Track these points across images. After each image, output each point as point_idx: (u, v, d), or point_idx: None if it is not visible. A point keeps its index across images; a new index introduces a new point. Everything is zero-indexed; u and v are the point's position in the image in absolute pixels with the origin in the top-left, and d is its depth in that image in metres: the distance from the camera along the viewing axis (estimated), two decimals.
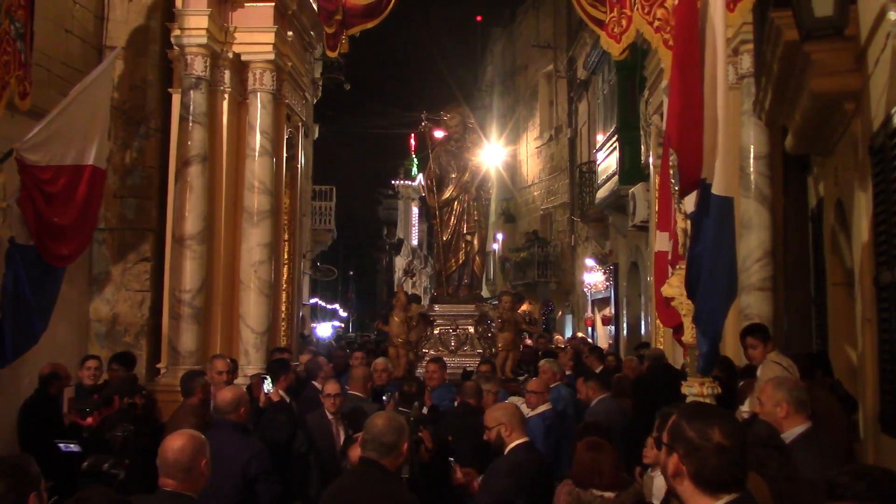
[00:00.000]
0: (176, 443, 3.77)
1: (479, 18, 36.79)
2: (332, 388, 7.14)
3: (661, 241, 7.16)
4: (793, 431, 4.59)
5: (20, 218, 7.15)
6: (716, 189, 4.53)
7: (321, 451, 6.81)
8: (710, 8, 4.48)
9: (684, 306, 5.44)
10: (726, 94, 4.71)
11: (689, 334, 5.47)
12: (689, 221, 5.30)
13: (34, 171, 7.30)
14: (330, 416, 7.03)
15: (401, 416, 4.50)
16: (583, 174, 22.68)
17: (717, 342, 4.98)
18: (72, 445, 3.70)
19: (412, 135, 42.99)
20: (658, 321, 11.11)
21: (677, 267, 5.62)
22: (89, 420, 4.43)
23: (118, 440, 3.62)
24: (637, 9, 8.08)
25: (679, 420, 2.59)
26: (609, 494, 4.39)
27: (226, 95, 10.07)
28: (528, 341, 14.56)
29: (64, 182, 7.63)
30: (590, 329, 22.90)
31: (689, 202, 5.07)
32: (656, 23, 7.86)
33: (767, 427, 4.35)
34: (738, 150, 8.86)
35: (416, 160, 49.20)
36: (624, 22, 8.37)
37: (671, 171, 5.63)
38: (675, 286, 5.54)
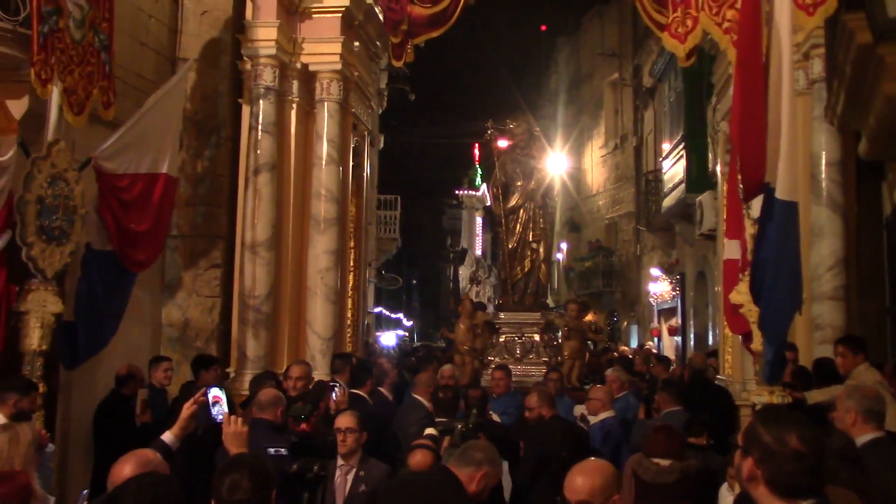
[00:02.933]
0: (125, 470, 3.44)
1: (543, 28, 36.69)
2: (343, 421, 5.21)
3: (730, 249, 7.05)
4: (860, 439, 4.53)
5: (97, 224, 7.38)
6: (780, 193, 4.48)
7: None
8: (776, 12, 4.42)
9: (753, 313, 5.37)
10: (792, 97, 4.65)
11: (757, 342, 5.40)
12: (755, 227, 5.24)
13: (111, 179, 7.53)
14: (341, 462, 5.10)
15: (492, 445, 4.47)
16: (648, 183, 22.49)
17: (782, 349, 4.91)
18: (282, 450, 3.88)
19: (476, 145, 43.00)
20: (726, 331, 10.93)
21: (745, 273, 5.55)
22: (304, 426, 4.57)
23: (328, 443, 3.75)
24: (704, 9, 7.95)
25: (755, 424, 2.56)
26: (664, 462, 5.00)
27: (294, 105, 10.25)
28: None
29: (139, 190, 7.85)
30: (656, 339, 22.65)
31: (757, 207, 5.01)
32: (726, 24, 7.71)
33: (843, 438, 4.28)
34: (807, 156, 8.68)
35: (479, 170, 49.19)
36: (689, 22, 8.22)
37: (738, 177, 5.56)
38: (743, 293, 5.47)
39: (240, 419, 4.24)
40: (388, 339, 32.92)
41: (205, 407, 4.38)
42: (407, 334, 44.41)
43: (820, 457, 2.47)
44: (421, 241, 49.21)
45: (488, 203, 44.98)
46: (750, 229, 5.55)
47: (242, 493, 3.10)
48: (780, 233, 4.54)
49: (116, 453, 3.61)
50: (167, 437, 4.24)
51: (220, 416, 4.29)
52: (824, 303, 8.76)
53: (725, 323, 10.66)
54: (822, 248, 8.81)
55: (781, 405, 4.51)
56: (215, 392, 4.42)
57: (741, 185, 5.31)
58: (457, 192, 53.48)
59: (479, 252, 53.50)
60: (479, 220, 54.68)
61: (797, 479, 2.42)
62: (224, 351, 10.00)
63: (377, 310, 31.56)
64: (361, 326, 12.79)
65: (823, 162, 8.88)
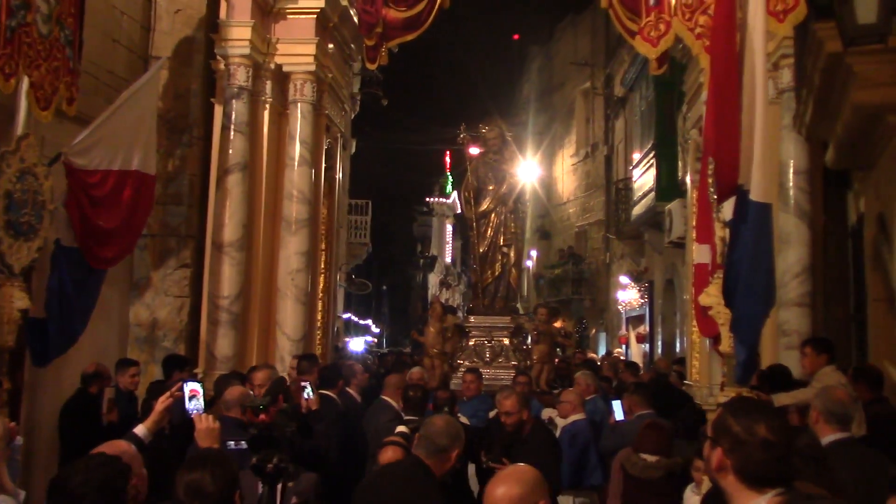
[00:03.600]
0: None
1: (515, 37, 36.92)
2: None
3: (700, 254, 7.12)
4: (823, 440, 4.65)
5: (66, 220, 7.30)
6: (754, 195, 4.54)
7: None
8: (750, 14, 4.49)
9: (722, 315, 5.43)
10: (765, 99, 4.71)
11: (726, 344, 5.46)
12: (727, 230, 5.30)
13: (81, 175, 7.46)
14: None
15: (459, 426, 4.48)
16: (619, 191, 22.66)
17: (754, 350, 4.97)
18: (242, 443, 3.81)
19: (447, 152, 43.11)
20: (694, 337, 11.06)
21: (715, 276, 5.61)
22: (262, 416, 4.51)
23: (287, 435, 3.71)
24: (677, 15, 8.05)
25: (725, 414, 2.59)
26: (651, 458, 5.40)
27: (267, 105, 10.23)
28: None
29: (110, 186, 7.79)
30: (624, 347, 22.79)
31: (728, 210, 5.07)
32: (698, 29, 7.81)
33: (808, 436, 4.37)
34: (775, 165, 8.80)
35: (450, 178, 49.32)
36: (662, 26, 8.31)
37: (709, 181, 5.63)
38: (712, 295, 5.54)
39: (212, 416, 4.22)
40: (356, 344, 32.86)
41: (179, 401, 4.35)
42: (375, 340, 44.32)
43: (788, 446, 2.52)
44: (391, 247, 49.20)
45: (459, 210, 45.18)
46: (720, 232, 5.62)
47: (203, 495, 3.01)
48: (753, 234, 4.60)
49: (82, 452, 3.57)
50: (140, 430, 4.20)
51: (195, 411, 4.25)
52: (791, 309, 8.86)
53: (693, 329, 10.80)
54: (788, 256, 8.92)
55: (750, 397, 4.56)
56: (192, 385, 4.39)
57: (711, 190, 5.38)
58: (427, 199, 53.57)
59: (448, 259, 53.58)
60: (449, 228, 54.84)
61: (766, 467, 2.46)
62: (192, 351, 9.91)
63: (346, 316, 31.48)
64: (331, 329, 12.75)
65: (791, 170, 8.99)
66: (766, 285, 4.75)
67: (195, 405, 4.30)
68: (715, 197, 5.20)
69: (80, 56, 7.38)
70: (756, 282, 4.66)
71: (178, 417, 4.67)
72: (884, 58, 6.00)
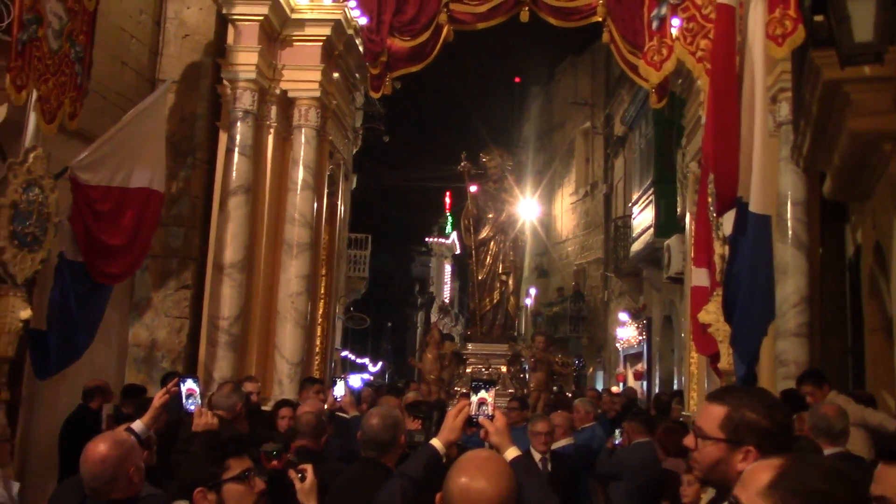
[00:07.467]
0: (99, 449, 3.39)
1: (517, 80, 37.22)
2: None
3: (698, 277, 7.18)
4: None
5: (71, 234, 7.36)
6: (753, 207, 4.59)
7: None
8: (750, 31, 4.59)
9: (720, 332, 5.48)
10: (765, 112, 4.81)
11: (724, 360, 5.50)
12: (726, 247, 5.36)
13: (86, 190, 7.52)
14: None
15: (395, 411, 4.55)
16: (618, 228, 22.77)
17: (753, 365, 4.98)
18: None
19: (448, 192, 43.20)
20: (692, 369, 11.07)
21: (714, 293, 5.66)
22: (274, 463, 4.53)
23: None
24: (679, 39, 8.20)
25: (741, 412, 2.36)
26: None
27: (271, 130, 10.36)
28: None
29: (112, 203, 7.84)
30: (621, 384, 22.72)
31: (728, 224, 5.12)
32: (699, 53, 7.96)
33: (808, 443, 4.38)
34: (776, 180, 8.87)
35: (450, 218, 49.34)
36: (665, 51, 8.47)
37: (709, 200, 5.70)
38: (711, 312, 5.59)
39: (210, 412, 4.25)
40: (354, 381, 32.74)
41: (176, 398, 4.38)
42: (372, 378, 44.11)
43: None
44: (390, 287, 49.08)
45: (458, 251, 45.18)
46: (719, 250, 5.68)
47: None
48: (753, 246, 4.64)
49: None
50: (137, 426, 4.22)
51: (193, 408, 4.29)
52: (788, 339, 8.85)
53: (691, 361, 10.82)
54: (786, 286, 8.93)
55: (734, 385, 4.57)
56: (190, 384, 4.42)
57: (711, 209, 5.44)
58: (426, 239, 53.56)
59: (446, 300, 53.34)
60: (447, 269, 54.67)
61: (788, 449, 2.39)
62: (191, 373, 9.88)
63: (343, 353, 31.34)
64: (330, 354, 12.74)
65: (789, 202, 9.06)
66: (765, 297, 4.79)
67: (192, 402, 4.33)
68: (714, 214, 5.26)
69: (89, 73, 7.48)
70: (756, 293, 4.70)
71: (176, 413, 4.69)
72: (881, 86, 6.10)
